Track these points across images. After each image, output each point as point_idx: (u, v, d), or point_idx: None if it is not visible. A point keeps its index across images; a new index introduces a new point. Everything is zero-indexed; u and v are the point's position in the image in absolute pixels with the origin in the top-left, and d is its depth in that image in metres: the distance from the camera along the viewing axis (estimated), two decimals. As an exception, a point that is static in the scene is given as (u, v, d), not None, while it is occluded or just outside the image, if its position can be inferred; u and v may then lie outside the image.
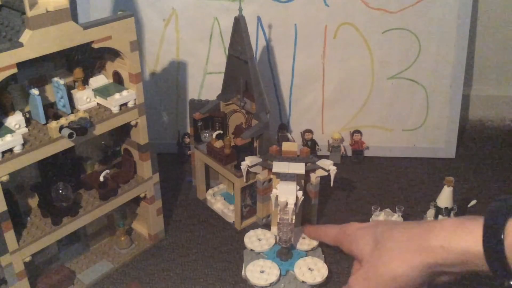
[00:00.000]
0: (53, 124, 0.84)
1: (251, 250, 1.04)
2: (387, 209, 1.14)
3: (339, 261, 1.07)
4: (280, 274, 0.99)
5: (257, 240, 1.06)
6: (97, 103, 0.95)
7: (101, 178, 0.99)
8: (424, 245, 0.54)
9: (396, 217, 1.11)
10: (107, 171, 1.00)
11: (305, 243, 1.07)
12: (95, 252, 1.10)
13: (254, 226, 1.18)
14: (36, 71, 0.89)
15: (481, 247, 0.50)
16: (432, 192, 1.27)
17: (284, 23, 1.33)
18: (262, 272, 0.99)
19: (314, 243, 1.07)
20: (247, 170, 1.08)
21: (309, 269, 1.00)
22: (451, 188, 1.09)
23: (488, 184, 1.35)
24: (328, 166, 1.07)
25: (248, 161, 1.07)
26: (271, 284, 0.97)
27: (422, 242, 0.55)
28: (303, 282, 0.98)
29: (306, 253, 1.05)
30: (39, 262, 1.00)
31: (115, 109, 0.94)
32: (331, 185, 1.08)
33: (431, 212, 1.12)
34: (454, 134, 1.43)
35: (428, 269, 0.55)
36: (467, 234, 0.52)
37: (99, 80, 0.97)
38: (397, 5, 1.31)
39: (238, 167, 1.10)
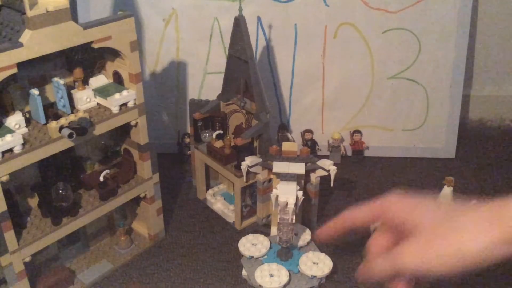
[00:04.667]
0: (53, 124, 0.84)
1: (250, 257, 1.04)
2: (387, 209, 1.14)
3: (337, 253, 1.07)
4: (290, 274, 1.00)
5: (252, 245, 1.06)
6: (97, 103, 0.95)
7: (101, 178, 0.99)
8: (505, 220, 0.49)
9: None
10: (107, 171, 1.00)
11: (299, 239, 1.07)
12: (95, 252, 1.10)
13: (253, 226, 1.18)
14: (36, 71, 0.89)
15: None
16: (432, 192, 1.26)
17: (284, 23, 1.33)
18: (272, 276, 0.99)
19: (308, 237, 1.07)
20: (247, 170, 1.08)
21: (314, 263, 1.00)
22: (451, 188, 1.09)
23: (488, 184, 1.35)
24: (328, 166, 1.07)
25: (248, 161, 1.07)
26: (285, 286, 0.98)
27: (502, 217, 0.49)
28: (312, 276, 0.98)
29: (300, 249, 1.07)
30: (39, 262, 1.00)
31: (115, 109, 0.94)
32: (331, 185, 1.08)
33: (431, 212, 1.12)
34: (454, 134, 1.43)
35: (505, 246, 0.49)
36: None
37: (99, 80, 0.97)
38: (397, 5, 1.31)
39: (238, 167, 1.10)
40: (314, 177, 1.10)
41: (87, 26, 0.84)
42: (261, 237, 1.07)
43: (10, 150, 0.82)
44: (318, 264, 1.01)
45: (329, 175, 1.07)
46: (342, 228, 0.63)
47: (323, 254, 1.03)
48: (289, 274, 0.99)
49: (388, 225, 0.59)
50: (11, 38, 0.80)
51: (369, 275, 0.57)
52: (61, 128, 0.84)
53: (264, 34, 1.34)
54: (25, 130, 0.86)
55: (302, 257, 1.02)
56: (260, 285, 0.97)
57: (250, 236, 1.08)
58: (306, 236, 1.08)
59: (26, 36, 0.77)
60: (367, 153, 1.46)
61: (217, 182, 1.31)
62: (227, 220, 1.21)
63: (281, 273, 0.99)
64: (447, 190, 1.09)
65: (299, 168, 1.04)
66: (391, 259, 0.54)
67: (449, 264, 0.50)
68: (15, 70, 0.77)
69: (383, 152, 1.46)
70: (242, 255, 1.04)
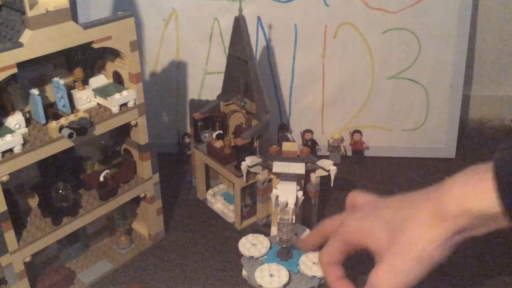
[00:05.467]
0: (53, 124, 0.84)
1: (251, 257, 1.03)
2: (387, 209, 1.14)
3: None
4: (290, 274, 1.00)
5: (252, 246, 1.05)
6: (97, 103, 0.95)
7: (101, 178, 0.99)
8: (445, 216, 0.50)
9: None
10: (107, 171, 1.00)
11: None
12: (95, 252, 1.10)
13: (253, 226, 1.18)
14: (36, 71, 0.89)
15: (498, 207, 0.48)
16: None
17: (284, 23, 1.33)
18: (272, 276, 0.99)
19: None
20: (247, 170, 1.08)
21: (314, 263, 1.00)
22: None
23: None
24: (328, 166, 1.07)
25: (248, 161, 1.07)
26: (285, 286, 0.98)
27: (442, 214, 0.50)
28: (312, 276, 0.98)
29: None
30: (39, 262, 1.00)
31: (115, 109, 0.94)
32: (331, 185, 1.08)
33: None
34: (454, 134, 1.43)
35: (455, 237, 0.51)
36: (482, 194, 0.49)
37: (99, 80, 0.97)
38: (397, 5, 1.31)
39: (238, 167, 1.10)
40: (314, 177, 1.10)
41: (87, 26, 0.84)
42: (261, 237, 1.07)
43: (10, 150, 0.82)
44: (318, 264, 1.01)
45: (329, 175, 1.07)
46: (319, 238, 0.75)
47: None
48: (289, 274, 0.99)
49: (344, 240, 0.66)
50: (11, 38, 0.80)
51: None
52: (61, 128, 0.84)
53: (264, 34, 1.34)
54: (25, 130, 0.86)
55: (302, 257, 1.02)
56: (260, 285, 0.97)
57: (250, 236, 1.08)
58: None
59: (26, 36, 0.77)
60: (367, 153, 1.46)
61: (217, 182, 1.31)
62: (227, 220, 1.21)
63: (281, 273, 0.99)
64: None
65: (299, 168, 1.04)
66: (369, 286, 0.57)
67: (419, 273, 0.53)
68: (15, 70, 0.77)
69: (383, 152, 1.46)
70: (242, 255, 1.04)
